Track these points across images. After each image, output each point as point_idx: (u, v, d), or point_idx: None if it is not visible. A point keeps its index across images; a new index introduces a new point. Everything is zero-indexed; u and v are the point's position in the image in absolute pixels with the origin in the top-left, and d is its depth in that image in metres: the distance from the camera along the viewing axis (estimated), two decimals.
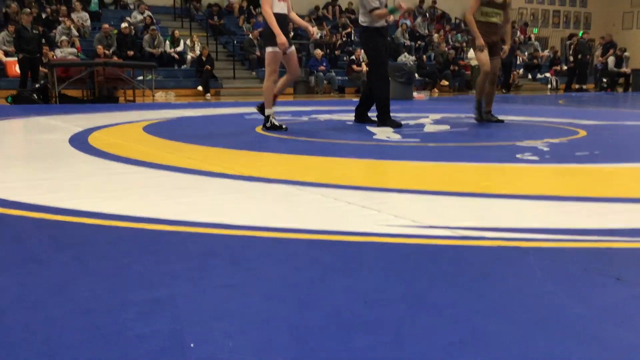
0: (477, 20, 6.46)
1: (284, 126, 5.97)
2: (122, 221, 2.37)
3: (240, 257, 1.93)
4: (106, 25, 14.82)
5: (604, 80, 19.46)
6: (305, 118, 7.71)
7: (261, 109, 6.18)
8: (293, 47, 6.02)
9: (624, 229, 2.24)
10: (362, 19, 6.41)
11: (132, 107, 10.30)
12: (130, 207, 2.60)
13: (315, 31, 6.08)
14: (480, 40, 6.40)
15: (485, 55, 6.43)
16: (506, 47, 6.56)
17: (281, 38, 5.62)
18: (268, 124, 5.94)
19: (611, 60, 19.23)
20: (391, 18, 6.57)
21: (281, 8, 5.72)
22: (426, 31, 21.05)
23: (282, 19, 5.72)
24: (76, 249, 2.03)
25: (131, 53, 14.50)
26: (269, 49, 5.77)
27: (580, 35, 19.51)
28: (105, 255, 1.96)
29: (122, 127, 6.45)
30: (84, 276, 1.76)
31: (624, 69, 19.37)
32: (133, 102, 11.92)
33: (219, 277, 1.74)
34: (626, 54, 19.91)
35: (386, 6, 6.40)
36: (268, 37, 5.74)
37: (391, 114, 6.43)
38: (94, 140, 5.14)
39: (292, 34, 15.66)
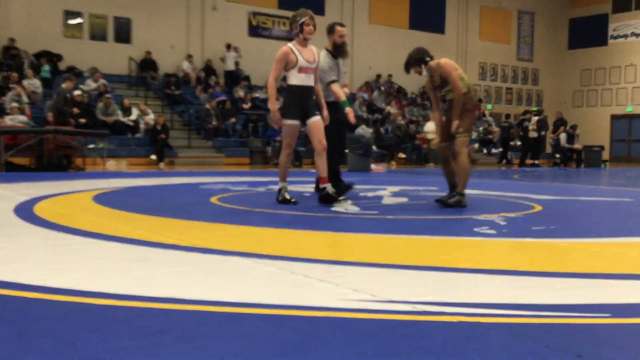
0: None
1: (293, 200, 5.62)
2: (68, 295, 2.26)
3: (193, 333, 1.83)
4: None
5: (557, 156, 20.16)
6: (262, 189, 7.68)
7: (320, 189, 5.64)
8: (316, 118, 5.53)
9: (582, 305, 2.24)
10: None
11: (82, 175, 10.10)
12: (77, 281, 2.49)
13: (326, 119, 5.74)
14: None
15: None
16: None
17: (274, 115, 5.42)
18: (279, 198, 5.65)
19: (563, 136, 19.99)
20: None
21: (301, 80, 5.45)
22: (383, 104, 21.61)
23: (302, 91, 5.45)
24: (19, 324, 1.91)
25: (84, 121, 14.38)
26: (286, 122, 5.50)
27: (534, 110, 20.28)
28: (50, 331, 1.84)
29: (71, 197, 6.28)
30: (27, 354, 1.65)
31: (576, 145, 20.11)
32: (83, 170, 11.71)
33: (171, 356, 1.65)
34: (577, 131, 20.76)
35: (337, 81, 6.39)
36: (283, 110, 5.50)
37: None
38: (40, 210, 4.96)
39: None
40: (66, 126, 12.66)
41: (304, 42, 5.49)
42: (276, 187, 7.61)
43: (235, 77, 19.99)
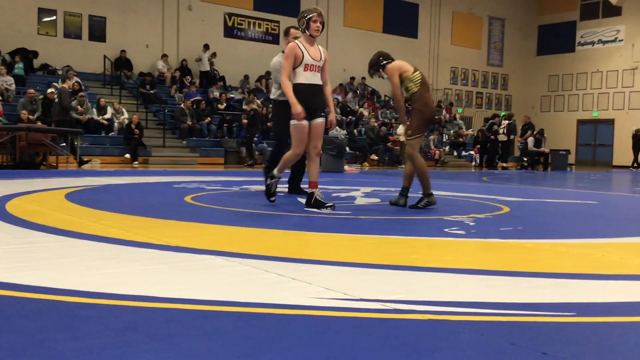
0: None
1: (273, 198, 5.59)
2: (38, 293, 2.24)
3: (164, 331, 1.84)
4: (31, 90, 14.50)
5: (525, 159, 20.46)
6: (236, 188, 7.67)
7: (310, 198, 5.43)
8: (320, 120, 5.40)
9: (548, 304, 2.29)
10: (273, 92, 6.82)
11: (55, 173, 9.97)
12: (47, 279, 2.46)
13: (333, 123, 5.68)
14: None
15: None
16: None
17: (296, 108, 5.16)
18: (267, 183, 5.57)
19: (530, 140, 20.31)
20: None
21: (307, 78, 5.28)
22: (357, 106, 21.70)
23: (307, 89, 5.28)
24: None
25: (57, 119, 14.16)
26: (293, 122, 5.29)
27: (502, 115, 20.57)
28: (19, 329, 1.82)
29: (43, 195, 6.20)
30: None
31: (542, 149, 20.45)
32: (56, 168, 11.56)
33: (141, 353, 1.65)
34: (545, 135, 21.11)
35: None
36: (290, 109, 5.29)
37: (320, 187, 6.42)
38: (12, 207, 4.90)
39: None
40: (67, 124, 12.86)
41: (311, 40, 5.33)
42: (252, 187, 7.64)
43: (210, 78, 19.90)
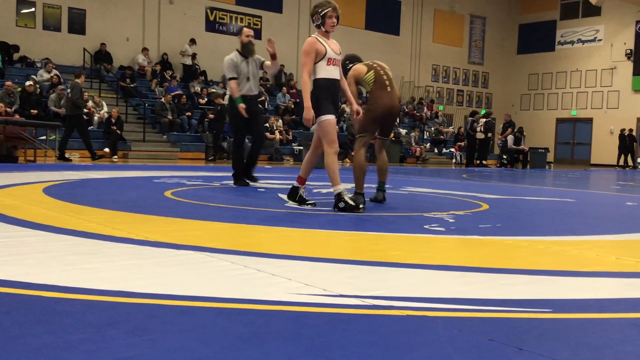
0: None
1: (361, 206, 5.12)
2: (15, 288, 2.21)
3: (142, 327, 1.83)
4: (9, 83, 14.30)
5: (504, 157, 20.64)
6: (216, 184, 7.64)
7: (292, 194, 5.35)
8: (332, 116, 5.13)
9: (525, 300, 2.32)
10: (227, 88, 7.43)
11: (33, 167, 9.85)
12: (25, 274, 2.44)
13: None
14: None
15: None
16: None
17: (308, 113, 4.94)
18: (341, 204, 4.98)
19: (510, 138, 20.48)
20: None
21: (330, 72, 5.04)
22: (339, 103, 21.71)
23: (333, 85, 5.07)
24: None
25: (35, 112, 14.01)
26: (322, 118, 5.01)
27: (483, 112, 20.72)
28: None
29: (21, 188, 6.12)
30: None
31: (522, 147, 20.64)
32: (34, 162, 11.41)
33: (118, 349, 1.64)
34: (524, 133, 21.30)
35: (248, 79, 7.31)
36: (319, 106, 5.02)
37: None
38: None
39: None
40: (79, 119, 13.05)
41: (327, 35, 5.11)
42: (232, 183, 7.60)
43: (192, 72, 19.79)
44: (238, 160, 7.53)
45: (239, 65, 7.31)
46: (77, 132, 13.31)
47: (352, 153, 5.65)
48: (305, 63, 5.00)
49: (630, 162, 24.46)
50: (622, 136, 24.44)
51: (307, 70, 4.99)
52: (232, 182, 7.53)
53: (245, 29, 7.55)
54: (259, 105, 7.77)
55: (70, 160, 12.86)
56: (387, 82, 5.59)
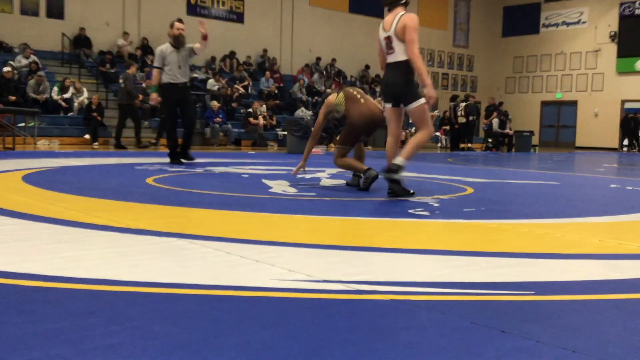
0: None
1: (411, 191, 5.08)
2: None
3: (123, 315, 1.81)
4: None
5: (489, 140, 20.71)
6: (199, 170, 7.59)
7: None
8: (399, 107, 5.11)
9: (508, 283, 2.33)
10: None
11: (11, 155, 9.71)
12: (4, 262, 2.41)
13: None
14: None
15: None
16: None
17: (431, 90, 4.82)
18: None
19: (495, 122, 20.54)
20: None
21: (389, 59, 5.02)
22: (323, 87, 21.63)
23: (387, 71, 5.06)
24: None
25: (13, 98, 13.79)
26: (422, 101, 4.97)
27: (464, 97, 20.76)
28: None
29: None
30: None
31: (507, 131, 20.70)
32: (12, 149, 11.26)
33: (100, 337, 1.62)
34: (509, 116, 21.36)
35: (180, 67, 8.25)
36: (415, 89, 4.96)
37: (284, 169, 6.50)
38: None
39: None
40: (133, 107, 13.61)
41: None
42: (215, 169, 7.57)
43: None
44: (171, 141, 8.47)
45: (167, 56, 8.24)
46: (131, 120, 13.73)
47: (335, 145, 5.84)
48: (415, 40, 4.83)
49: (636, 146, 24.55)
50: (625, 119, 24.55)
51: (418, 47, 4.85)
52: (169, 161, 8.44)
53: (176, 22, 8.49)
54: (189, 92, 8.68)
55: (126, 148, 12.85)
56: (358, 96, 5.83)
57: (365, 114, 5.71)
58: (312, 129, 6.05)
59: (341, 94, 5.90)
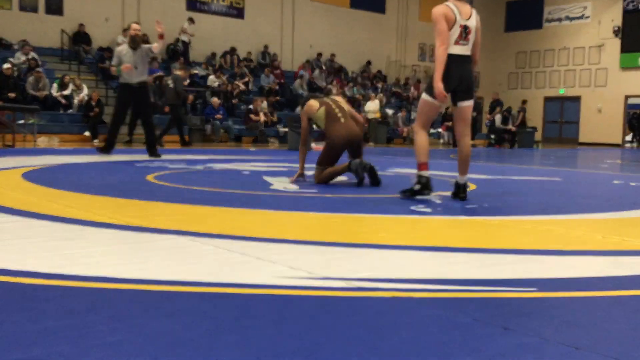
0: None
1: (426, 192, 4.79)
2: None
3: (124, 312, 1.80)
4: None
5: (492, 136, 20.66)
6: (200, 167, 7.58)
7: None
8: (469, 102, 4.76)
9: (511, 280, 2.32)
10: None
11: (11, 152, 9.70)
12: (5, 260, 2.40)
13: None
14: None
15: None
16: None
17: (438, 86, 4.55)
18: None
19: (498, 117, 20.49)
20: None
21: (459, 49, 4.66)
22: (324, 83, 21.59)
23: (457, 62, 4.64)
24: None
25: (13, 95, 13.77)
26: (423, 96, 4.78)
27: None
28: None
29: None
30: None
31: (510, 127, 20.65)
32: (12, 147, 11.24)
33: (100, 335, 1.61)
34: (512, 112, 21.30)
35: (136, 67, 8.67)
36: (429, 82, 4.75)
37: (286, 165, 6.48)
38: None
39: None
40: (179, 108, 13.88)
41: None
42: (216, 166, 7.56)
43: (173, 53, 19.54)
44: (111, 137, 9.13)
45: (123, 56, 8.72)
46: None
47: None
48: (444, 32, 4.62)
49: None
50: (634, 117, 24.53)
51: (444, 40, 4.60)
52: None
53: (133, 24, 8.97)
54: (145, 92, 9.02)
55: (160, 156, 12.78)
56: (339, 115, 5.80)
57: (344, 135, 5.73)
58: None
59: (322, 109, 5.81)
